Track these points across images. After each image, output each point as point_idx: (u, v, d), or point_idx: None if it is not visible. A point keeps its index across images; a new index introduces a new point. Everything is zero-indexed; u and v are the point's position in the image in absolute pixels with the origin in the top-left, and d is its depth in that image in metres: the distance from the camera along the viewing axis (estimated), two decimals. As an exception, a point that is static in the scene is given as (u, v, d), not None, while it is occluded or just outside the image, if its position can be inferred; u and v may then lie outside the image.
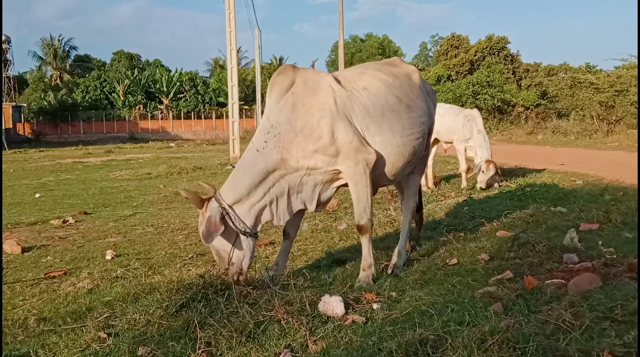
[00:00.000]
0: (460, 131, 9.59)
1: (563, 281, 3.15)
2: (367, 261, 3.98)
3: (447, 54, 33.41)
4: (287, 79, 3.89)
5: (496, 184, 9.42)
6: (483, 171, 9.10)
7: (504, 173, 9.26)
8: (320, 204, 4.04)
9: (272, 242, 5.92)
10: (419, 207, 5.04)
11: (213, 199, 3.76)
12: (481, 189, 8.99)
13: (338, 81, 3.95)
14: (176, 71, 49.89)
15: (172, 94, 48.19)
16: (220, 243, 3.77)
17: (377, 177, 3.99)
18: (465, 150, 9.73)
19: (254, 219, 3.83)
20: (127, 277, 4.71)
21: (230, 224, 3.71)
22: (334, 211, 7.48)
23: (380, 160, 3.92)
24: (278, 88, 3.88)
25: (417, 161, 4.42)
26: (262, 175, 3.76)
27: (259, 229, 3.92)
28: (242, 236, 3.78)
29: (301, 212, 4.31)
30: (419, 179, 4.75)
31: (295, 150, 3.75)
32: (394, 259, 4.35)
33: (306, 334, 2.80)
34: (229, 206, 3.74)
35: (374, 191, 4.22)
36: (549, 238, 4.18)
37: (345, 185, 3.99)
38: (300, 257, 5.23)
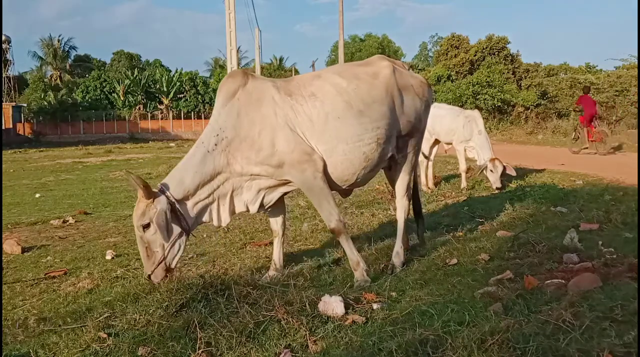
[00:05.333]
0: (461, 132, 9.58)
1: (563, 281, 3.15)
2: (353, 260, 4.00)
3: (447, 54, 33.35)
4: (234, 84, 3.95)
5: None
6: (492, 170, 8.97)
7: (504, 173, 9.22)
8: (262, 206, 4.09)
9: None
10: (418, 207, 5.02)
11: (162, 193, 3.82)
12: (497, 189, 8.82)
13: (279, 90, 3.94)
14: (176, 71, 49.80)
15: (172, 94, 48.10)
16: (155, 238, 3.77)
17: (330, 182, 3.99)
18: (465, 151, 9.72)
19: (195, 218, 3.91)
20: (127, 277, 4.71)
21: (176, 220, 3.79)
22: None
23: (327, 168, 3.93)
24: (224, 92, 3.96)
25: (377, 166, 4.20)
26: (211, 176, 3.85)
27: (195, 228, 4.01)
28: (178, 234, 3.83)
29: (282, 208, 4.42)
30: (409, 178, 4.52)
31: (240, 157, 3.84)
32: (393, 259, 4.36)
33: (306, 334, 2.80)
34: (176, 202, 3.80)
35: (346, 194, 4.29)
36: (549, 238, 4.18)
37: (298, 189, 4.07)
38: (300, 257, 5.23)
